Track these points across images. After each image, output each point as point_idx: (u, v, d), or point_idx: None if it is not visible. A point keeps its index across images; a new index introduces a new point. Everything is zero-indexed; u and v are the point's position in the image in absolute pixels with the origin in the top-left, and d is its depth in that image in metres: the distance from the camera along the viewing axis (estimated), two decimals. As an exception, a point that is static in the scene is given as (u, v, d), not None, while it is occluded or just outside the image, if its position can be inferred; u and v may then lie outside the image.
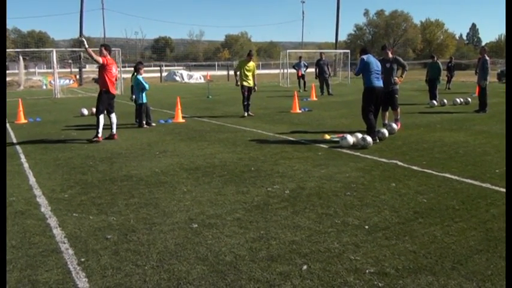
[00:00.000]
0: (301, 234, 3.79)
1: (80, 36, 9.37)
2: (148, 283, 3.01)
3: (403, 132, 9.07)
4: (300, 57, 24.46)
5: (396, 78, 9.32)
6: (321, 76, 20.67)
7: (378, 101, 8.17)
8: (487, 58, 12.30)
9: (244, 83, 12.05)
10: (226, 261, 3.29)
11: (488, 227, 3.86)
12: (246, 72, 12.04)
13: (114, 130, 8.89)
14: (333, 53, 37.28)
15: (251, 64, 12.17)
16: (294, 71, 24.67)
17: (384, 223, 4.01)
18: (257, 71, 13.01)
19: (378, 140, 7.83)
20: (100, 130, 8.56)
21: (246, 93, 12.09)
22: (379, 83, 8.09)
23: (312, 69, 25.20)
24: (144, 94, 10.53)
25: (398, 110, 9.64)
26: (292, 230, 3.87)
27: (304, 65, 23.37)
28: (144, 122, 10.55)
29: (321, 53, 23.21)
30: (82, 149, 7.86)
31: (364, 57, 8.14)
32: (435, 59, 16.22)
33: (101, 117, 8.58)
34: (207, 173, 5.92)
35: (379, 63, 8.28)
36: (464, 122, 10.60)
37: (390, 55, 9.45)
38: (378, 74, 8.09)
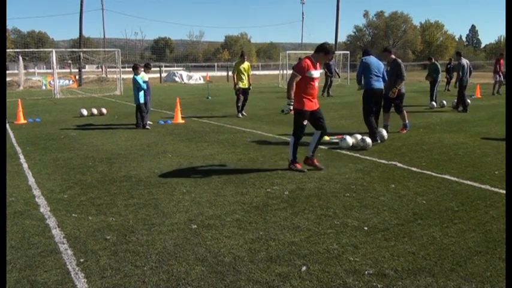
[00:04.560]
0: (300, 235, 3.78)
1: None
2: (147, 284, 3.00)
3: (403, 133, 9.07)
4: (300, 58, 24.38)
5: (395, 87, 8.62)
6: (328, 77, 20.62)
7: (378, 103, 8.14)
8: (463, 62, 12.82)
9: (241, 84, 12.33)
10: (225, 262, 3.29)
11: (487, 229, 3.86)
12: (242, 74, 12.31)
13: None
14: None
15: (246, 65, 12.48)
16: (293, 72, 24.61)
17: (383, 224, 4.01)
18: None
19: (379, 141, 7.82)
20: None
21: (240, 94, 12.37)
22: (379, 84, 8.03)
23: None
24: (141, 94, 10.50)
25: (404, 114, 9.11)
26: (291, 231, 3.87)
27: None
28: (135, 124, 10.52)
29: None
30: (81, 149, 7.86)
31: (364, 59, 8.08)
32: (433, 60, 16.28)
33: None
34: (206, 174, 5.92)
35: (380, 64, 8.16)
36: (464, 123, 10.60)
37: (392, 57, 8.92)
38: (377, 75, 8.00)
